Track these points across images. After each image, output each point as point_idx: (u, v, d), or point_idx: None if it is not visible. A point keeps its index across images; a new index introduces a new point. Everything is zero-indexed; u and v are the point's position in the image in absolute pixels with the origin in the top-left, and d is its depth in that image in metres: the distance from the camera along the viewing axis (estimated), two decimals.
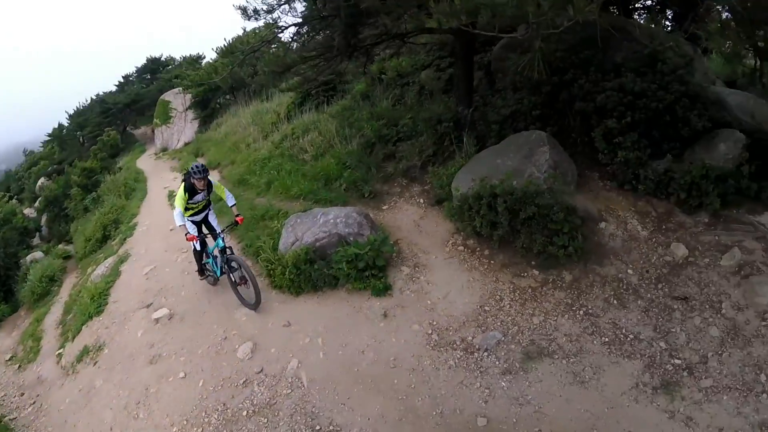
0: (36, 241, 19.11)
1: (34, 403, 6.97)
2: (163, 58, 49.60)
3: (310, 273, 6.38)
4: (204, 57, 42.88)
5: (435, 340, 5.28)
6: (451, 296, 5.83)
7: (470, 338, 5.23)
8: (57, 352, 8.07)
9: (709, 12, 7.53)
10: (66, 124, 36.83)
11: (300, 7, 7.39)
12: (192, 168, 6.09)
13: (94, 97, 38.58)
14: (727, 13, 6.42)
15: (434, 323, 5.50)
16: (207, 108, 23.90)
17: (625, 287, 5.51)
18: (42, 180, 29.52)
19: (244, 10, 7.11)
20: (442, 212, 7.26)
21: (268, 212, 8.68)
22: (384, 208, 8.05)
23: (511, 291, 5.70)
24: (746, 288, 5.16)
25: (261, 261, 7.15)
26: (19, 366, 8.65)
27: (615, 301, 5.38)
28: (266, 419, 4.81)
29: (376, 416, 4.61)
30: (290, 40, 8.45)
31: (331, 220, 6.86)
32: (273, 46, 8.53)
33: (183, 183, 6.26)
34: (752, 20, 5.65)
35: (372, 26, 7.63)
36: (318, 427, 4.60)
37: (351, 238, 6.60)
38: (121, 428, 5.39)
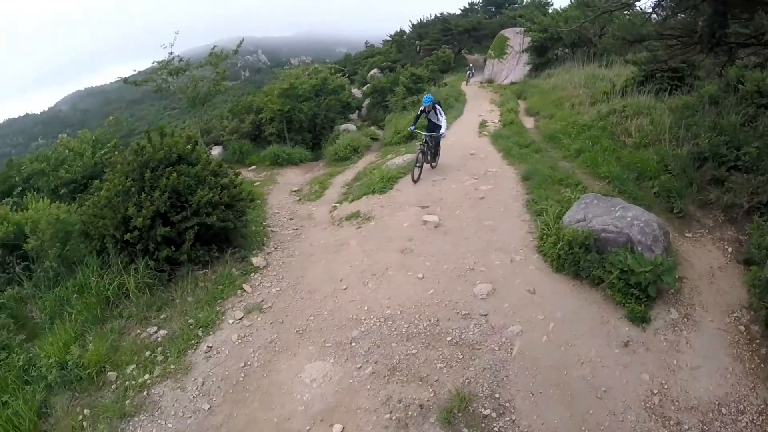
0: (353, 116, 23.89)
1: (296, 229, 9.18)
2: None
3: (580, 259, 6.21)
4: (552, 3, 43.34)
5: (653, 404, 4.73)
6: (699, 372, 5.09)
7: (686, 427, 4.56)
8: (334, 204, 10.35)
9: None
10: (407, 32, 43.12)
11: None
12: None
13: (438, 15, 44.01)
14: None
15: (665, 386, 4.91)
16: (543, 56, 24.59)
17: None
18: (374, 71, 36.09)
19: None
20: (744, 275, 6.31)
21: (567, 178, 8.74)
22: (687, 234, 7.37)
23: (758, 410, 4.77)
24: None
25: (540, 222, 7.32)
26: (300, 199, 11.50)
27: None
28: (462, 357, 5.13)
29: (552, 429, 4.42)
30: (650, 9, 8.19)
31: (629, 219, 6.45)
32: (628, 12, 7.99)
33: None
34: None
35: (743, 23, 6.76)
36: (498, 400, 4.66)
37: (638, 248, 6.12)
38: (348, 284, 6.68)
